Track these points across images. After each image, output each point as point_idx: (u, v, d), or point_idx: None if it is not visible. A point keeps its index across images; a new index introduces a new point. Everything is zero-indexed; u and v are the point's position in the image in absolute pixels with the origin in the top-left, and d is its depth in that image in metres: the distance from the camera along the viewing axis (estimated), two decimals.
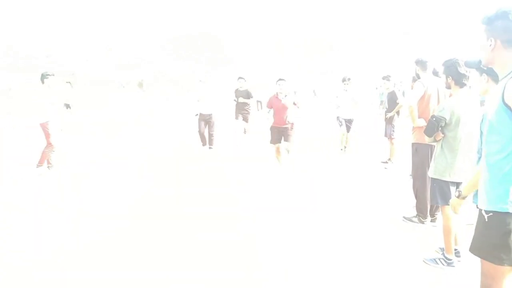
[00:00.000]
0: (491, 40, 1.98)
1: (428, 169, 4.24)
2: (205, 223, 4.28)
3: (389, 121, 7.62)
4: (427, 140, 3.63)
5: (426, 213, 4.31)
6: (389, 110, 7.70)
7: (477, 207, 2.07)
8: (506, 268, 1.94)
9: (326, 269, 3.34)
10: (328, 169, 7.14)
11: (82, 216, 4.57)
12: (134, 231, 4.11)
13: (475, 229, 2.06)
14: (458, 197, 2.52)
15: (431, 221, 4.37)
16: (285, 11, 24.24)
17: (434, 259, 3.45)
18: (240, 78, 9.49)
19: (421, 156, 4.24)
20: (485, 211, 1.99)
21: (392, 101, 7.69)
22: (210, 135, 8.71)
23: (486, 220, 1.96)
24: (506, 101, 1.88)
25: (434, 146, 4.25)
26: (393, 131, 7.58)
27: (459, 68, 3.36)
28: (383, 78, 7.91)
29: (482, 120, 2.24)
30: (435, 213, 4.35)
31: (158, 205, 4.97)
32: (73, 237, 4.00)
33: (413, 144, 4.38)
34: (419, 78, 4.49)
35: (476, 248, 2.04)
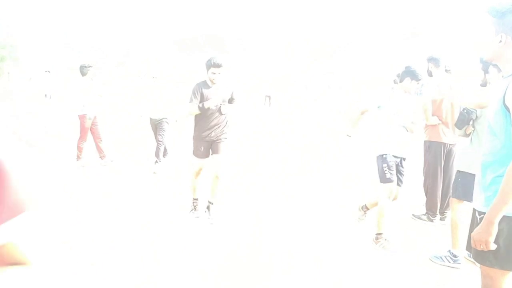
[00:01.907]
0: (501, 36, 1.82)
1: (440, 167, 4.18)
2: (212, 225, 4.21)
3: None
4: (457, 133, 3.54)
5: (436, 211, 4.23)
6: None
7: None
8: (501, 270, 1.85)
9: (333, 264, 3.25)
10: (336, 164, 7.05)
11: (84, 216, 4.50)
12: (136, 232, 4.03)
13: (469, 228, 1.97)
14: None
15: (440, 220, 4.28)
16: (291, 12, 24.21)
17: (440, 257, 3.35)
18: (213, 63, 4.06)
19: (433, 154, 4.16)
20: (478, 211, 1.91)
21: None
22: (157, 141, 6.74)
23: (479, 221, 1.87)
24: (507, 103, 1.76)
25: (447, 144, 4.19)
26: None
27: None
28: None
29: None
30: (445, 212, 4.27)
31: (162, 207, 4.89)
32: (74, 237, 3.93)
33: (425, 142, 4.30)
34: (431, 75, 4.42)
35: (470, 248, 1.95)
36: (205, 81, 4.14)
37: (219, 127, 4.17)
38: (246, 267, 3.22)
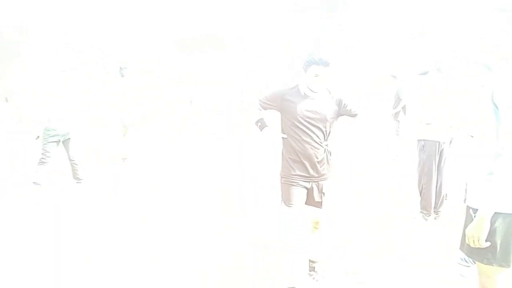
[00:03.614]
0: None
1: (435, 166, 4.22)
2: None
3: (395, 117, 7.83)
4: None
5: (430, 210, 4.28)
6: (394, 106, 7.92)
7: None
8: (498, 267, 1.90)
9: (333, 265, 3.28)
10: (336, 164, 7.07)
11: (85, 218, 4.54)
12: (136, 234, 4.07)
13: (464, 227, 2.01)
14: None
15: (434, 219, 4.35)
16: (291, 12, 24.09)
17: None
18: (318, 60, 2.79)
19: (428, 152, 4.21)
20: (472, 209, 1.95)
21: (397, 97, 7.90)
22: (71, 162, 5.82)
23: (473, 218, 1.93)
24: (495, 100, 1.87)
25: (441, 142, 4.23)
26: (399, 127, 7.78)
27: None
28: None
29: None
30: (439, 210, 4.33)
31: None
32: (75, 237, 3.97)
33: (419, 141, 4.33)
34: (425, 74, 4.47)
35: (465, 246, 2.00)
36: (297, 86, 2.85)
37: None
38: (247, 268, 3.26)
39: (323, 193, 2.90)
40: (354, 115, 2.89)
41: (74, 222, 4.18)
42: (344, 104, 2.85)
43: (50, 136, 5.62)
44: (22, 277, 3.03)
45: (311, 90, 2.77)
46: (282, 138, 2.89)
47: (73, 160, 5.80)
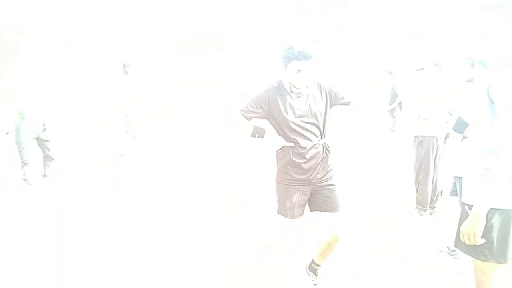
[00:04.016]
0: None
1: (432, 162, 4.22)
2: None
3: (391, 113, 7.86)
4: (457, 137, 3.56)
5: (426, 206, 4.32)
6: (390, 102, 7.94)
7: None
8: (494, 264, 1.89)
9: (332, 264, 3.29)
10: (336, 164, 7.07)
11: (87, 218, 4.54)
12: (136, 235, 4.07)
13: (459, 223, 2.02)
14: None
15: (430, 214, 4.38)
16: (291, 12, 24.06)
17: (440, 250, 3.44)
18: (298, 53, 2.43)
19: (426, 148, 4.22)
20: (467, 205, 1.94)
21: (393, 93, 7.92)
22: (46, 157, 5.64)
23: (468, 214, 1.92)
24: (491, 95, 1.89)
25: (438, 138, 4.23)
26: (395, 123, 7.81)
27: None
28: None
29: None
30: (434, 206, 4.38)
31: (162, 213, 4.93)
32: (74, 236, 3.97)
33: (416, 137, 4.33)
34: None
35: (461, 243, 1.99)
36: (281, 83, 2.57)
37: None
38: (247, 268, 3.26)
39: (330, 197, 2.62)
40: (347, 103, 2.60)
41: (74, 222, 4.19)
42: (335, 93, 2.59)
43: (28, 133, 5.40)
44: (22, 277, 3.04)
45: (295, 87, 2.50)
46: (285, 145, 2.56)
47: (50, 157, 5.60)
